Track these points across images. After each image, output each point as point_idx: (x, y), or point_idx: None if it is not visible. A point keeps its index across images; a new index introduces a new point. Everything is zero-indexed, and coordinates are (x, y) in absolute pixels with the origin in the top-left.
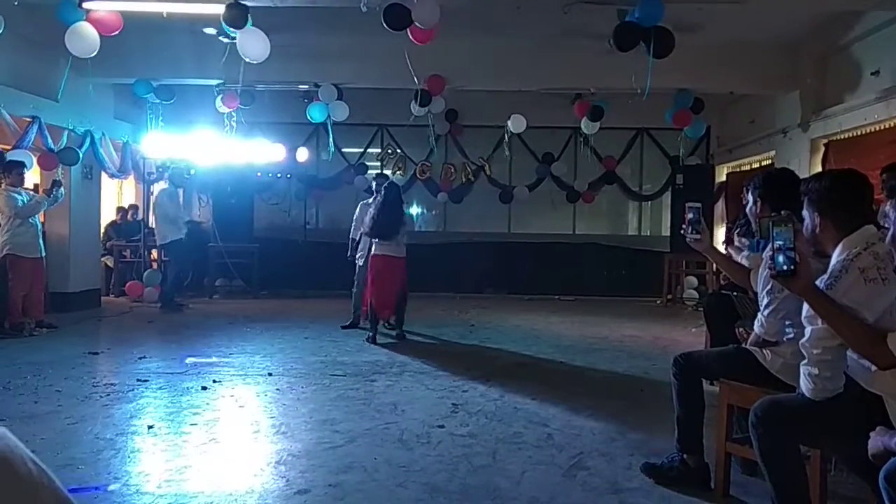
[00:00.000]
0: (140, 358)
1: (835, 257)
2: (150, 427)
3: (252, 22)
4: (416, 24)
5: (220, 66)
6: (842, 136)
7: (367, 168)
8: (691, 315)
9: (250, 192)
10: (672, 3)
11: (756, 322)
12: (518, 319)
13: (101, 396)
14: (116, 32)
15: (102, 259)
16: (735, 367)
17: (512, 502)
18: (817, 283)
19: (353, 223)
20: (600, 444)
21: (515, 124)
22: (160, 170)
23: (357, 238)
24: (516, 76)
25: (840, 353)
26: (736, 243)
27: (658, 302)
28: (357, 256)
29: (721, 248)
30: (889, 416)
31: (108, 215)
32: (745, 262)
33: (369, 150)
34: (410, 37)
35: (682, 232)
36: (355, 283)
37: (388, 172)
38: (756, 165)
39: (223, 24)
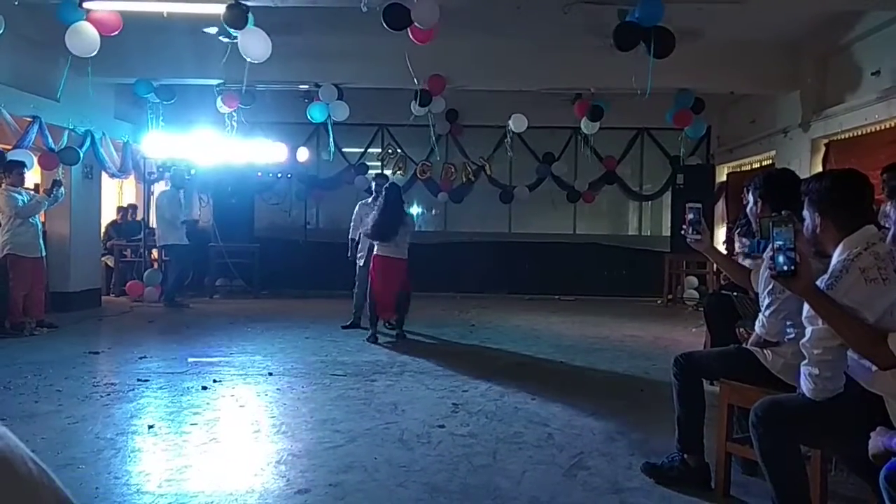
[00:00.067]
0: (140, 357)
1: (835, 257)
2: (150, 427)
3: (253, 22)
4: (416, 24)
5: (221, 66)
6: (842, 136)
7: (368, 168)
8: (692, 315)
9: (251, 192)
10: (672, 3)
11: (757, 322)
12: (518, 319)
13: (102, 396)
14: (116, 32)
15: (103, 259)
16: (736, 367)
17: (512, 502)
18: (818, 283)
19: (352, 223)
20: (601, 443)
21: (517, 124)
22: (160, 169)
23: (356, 238)
24: (516, 76)
25: (840, 354)
26: (737, 247)
27: (658, 302)
28: (357, 257)
29: (723, 249)
30: (889, 416)
31: (108, 215)
32: (748, 265)
33: (370, 150)
34: (410, 37)
35: (682, 232)
36: (356, 283)
37: (388, 172)
38: (756, 165)
39: (224, 24)
